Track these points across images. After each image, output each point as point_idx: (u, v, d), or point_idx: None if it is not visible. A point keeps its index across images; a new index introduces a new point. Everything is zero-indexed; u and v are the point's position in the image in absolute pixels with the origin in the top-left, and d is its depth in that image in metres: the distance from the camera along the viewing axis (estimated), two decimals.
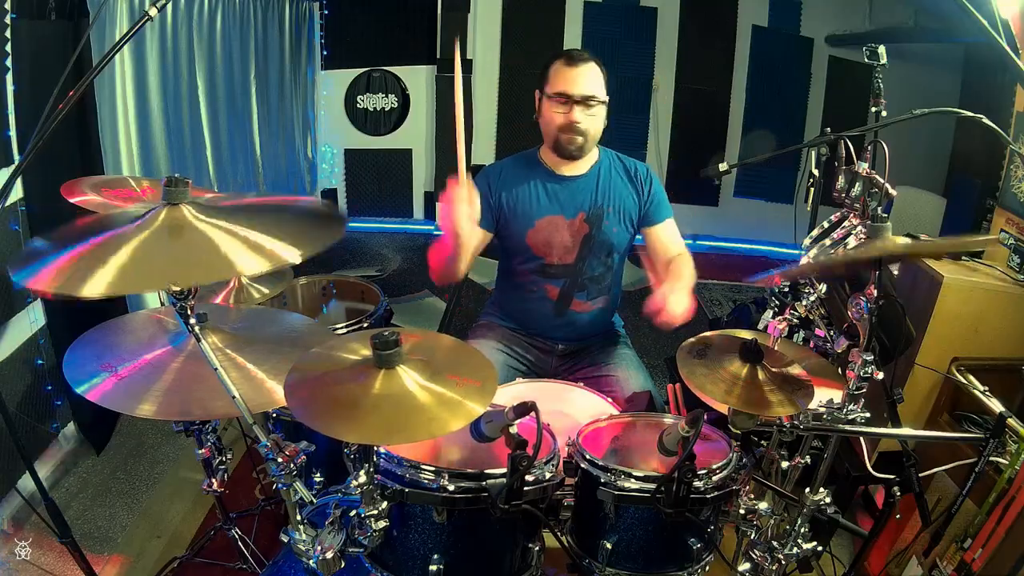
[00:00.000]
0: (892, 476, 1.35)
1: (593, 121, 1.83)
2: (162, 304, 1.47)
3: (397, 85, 5.18)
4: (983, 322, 2.04)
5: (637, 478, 1.19)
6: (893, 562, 1.88)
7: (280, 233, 0.96)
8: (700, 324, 3.95)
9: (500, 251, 2.00)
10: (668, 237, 1.98)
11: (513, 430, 1.07)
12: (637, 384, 1.87)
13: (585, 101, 1.79)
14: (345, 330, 1.80)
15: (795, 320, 1.48)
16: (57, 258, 0.88)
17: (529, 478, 1.13)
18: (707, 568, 1.28)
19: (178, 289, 0.98)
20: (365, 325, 1.88)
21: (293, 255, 0.92)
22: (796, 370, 1.26)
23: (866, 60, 1.57)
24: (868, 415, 1.22)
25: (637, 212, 1.96)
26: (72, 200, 1.43)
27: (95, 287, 0.82)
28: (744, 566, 1.36)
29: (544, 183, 1.92)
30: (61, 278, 0.85)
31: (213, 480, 1.61)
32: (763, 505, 1.31)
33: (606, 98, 1.83)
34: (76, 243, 0.90)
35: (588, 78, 1.80)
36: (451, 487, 1.11)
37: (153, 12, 1.20)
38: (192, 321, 1.01)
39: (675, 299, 1.62)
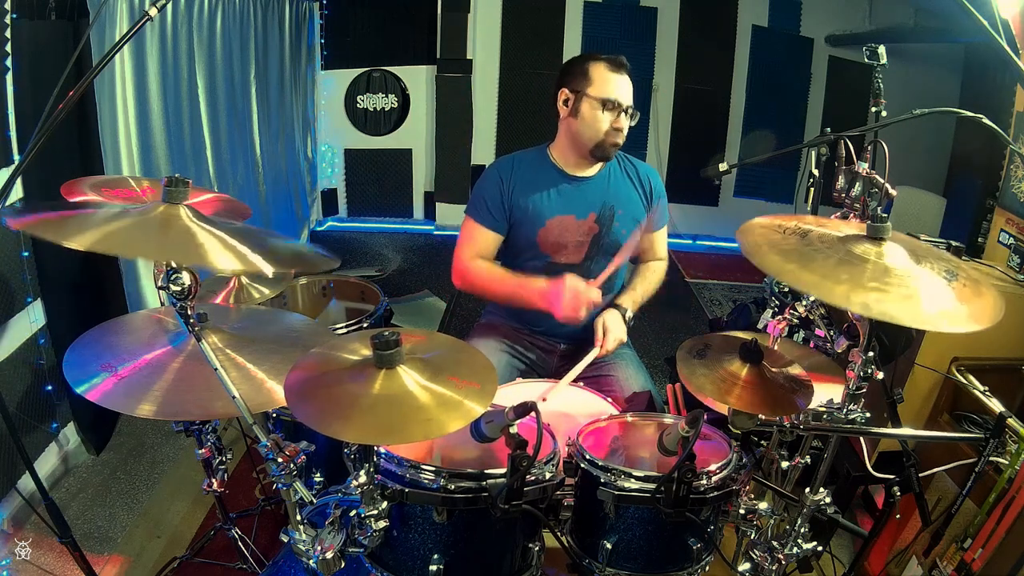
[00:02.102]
0: (892, 476, 1.35)
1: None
2: (162, 304, 1.47)
3: (397, 85, 5.18)
4: None
5: (637, 478, 1.19)
6: (893, 562, 1.88)
7: (262, 249, 1.00)
8: (700, 324, 3.97)
9: (507, 250, 2.00)
10: (657, 244, 2.09)
11: (513, 430, 1.07)
12: (637, 384, 1.87)
13: (627, 109, 1.84)
14: (345, 330, 1.80)
15: (795, 320, 1.48)
16: (50, 212, 0.94)
17: (529, 478, 1.13)
18: (707, 568, 1.28)
19: (179, 289, 0.98)
20: (365, 325, 1.88)
21: (266, 267, 0.97)
22: (796, 370, 1.26)
23: (866, 60, 1.57)
24: (868, 415, 1.22)
25: (644, 216, 2.00)
26: (72, 200, 1.43)
27: (80, 242, 0.87)
28: (744, 566, 1.36)
29: (556, 183, 1.93)
30: (50, 226, 0.91)
31: (213, 480, 1.61)
32: (763, 505, 1.31)
33: None
34: (71, 209, 0.97)
35: (630, 86, 1.85)
36: (451, 487, 1.11)
37: (153, 12, 1.20)
38: (192, 321, 1.01)
39: (614, 334, 1.85)
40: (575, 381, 1.79)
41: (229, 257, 0.94)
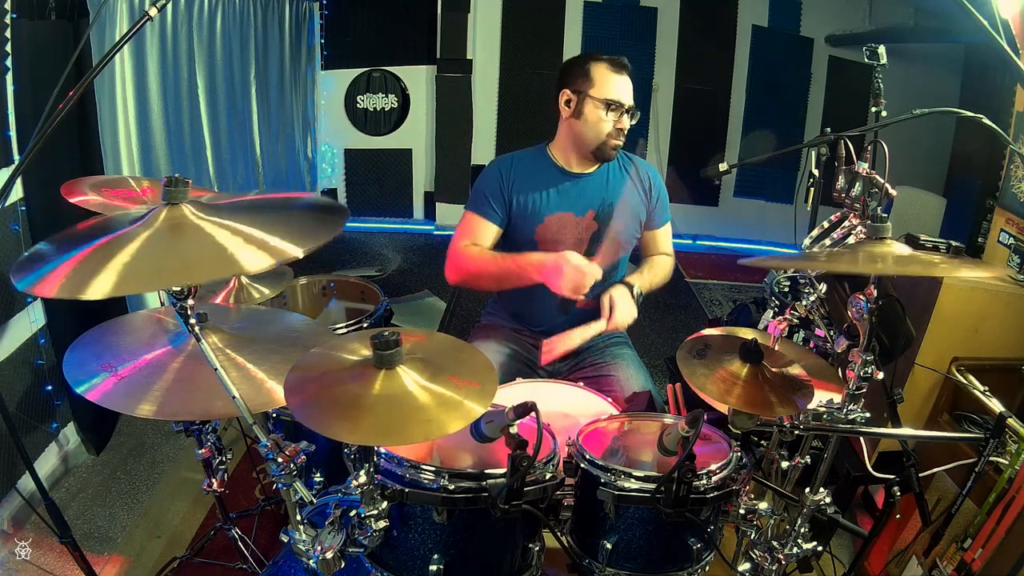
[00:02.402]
0: (892, 476, 1.35)
1: None
2: (162, 304, 1.47)
3: (397, 85, 5.18)
4: (983, 322, 2.04)
5: (637, 478, 1.19)
6: (893, 562, 1.88)
7: (281, 229, 0.95)
8: (700, 324, 3.97)
9: (505, 246, 2.00)
10: (662, 241, 2.08)
11: (513, 430, 1.07)
12: (637, 384, 1.87)
13: (629, 109, 1.84)
14: (345, 330, 1.80)
15: (795, 320, 1.48)
16: (60, 263, 0.88)
17: (529, 478, 1.13)
18: (707, 568, 1.27)
19: (179, 289, 0.98)
20: (365, 325, 1.88)
21: (296, 250, 0.91)
22: (796, 370, 1.26)
23: (866, 60, 1.57)
24: (868, 415, 1.22)
25: (644, 213, 1.98)
26: (72, 200, 1.43)
27: (99, 289, 0.82)
28: (744, 566, 1.36)
29: (555, 180, 1.93)
30: (65, 282, 0.85)
31: (213, 480, 1.61)
32: (763, 505, 1.31)
33: None
34: (78, 247, 0.90)
35: (630, 87, 1.85)
36: (451, 487, 1.11)
37: (153, 12, 1.20)
38: (192, 321, 1.01)
39: (621, 309, 1.79)
40: (575, 381, 1.79)
41: (255, 252, 0.88)
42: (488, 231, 1.92)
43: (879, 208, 1.43)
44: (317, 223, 1.01)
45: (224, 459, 1.62)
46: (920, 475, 1.35)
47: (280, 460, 1.06)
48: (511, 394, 1.67)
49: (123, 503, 2.26)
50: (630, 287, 1.86)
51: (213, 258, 0.89)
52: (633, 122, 1.87)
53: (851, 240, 1.42)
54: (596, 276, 1.71)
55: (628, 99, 1.83)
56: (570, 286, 1.68)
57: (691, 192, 5.24)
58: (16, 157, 2.04)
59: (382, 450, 1.14)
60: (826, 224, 1.54)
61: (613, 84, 1.82)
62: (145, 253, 0.89)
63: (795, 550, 1.32)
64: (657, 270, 2.02)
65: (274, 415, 1.59)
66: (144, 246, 0.90)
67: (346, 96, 5.16)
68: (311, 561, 1.09)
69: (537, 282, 1.74)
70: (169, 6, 3.01)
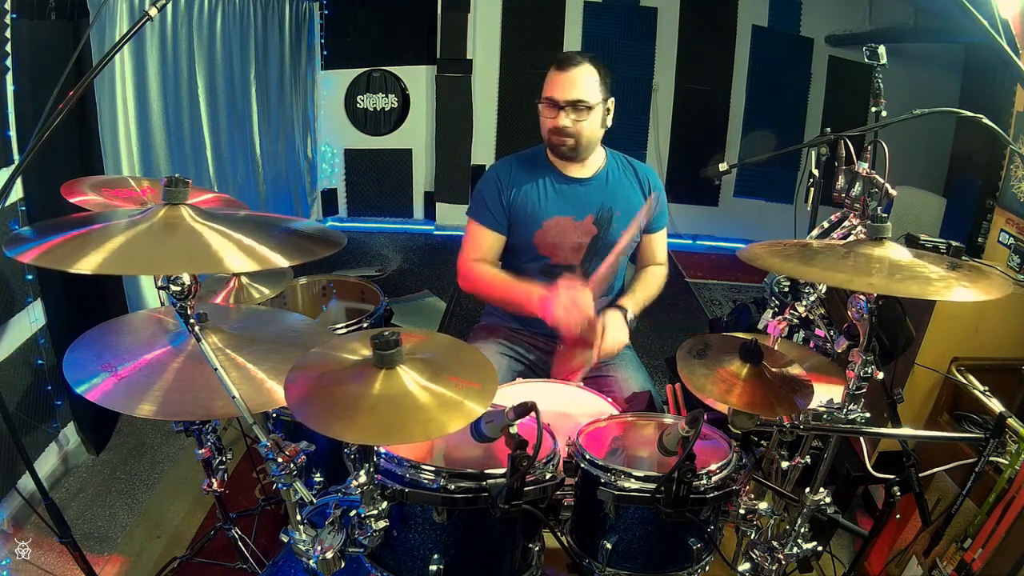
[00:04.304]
0: (892, 476, 1.35)
1: (584, 124, 1.83)
2: (162, 304, 1.47)
3: (397, 85, 5.18)
4: (983, 322, 2.04)
5: (637, 478, 1.19)
6: (893, 562, 1.88)
7: (272, 242, 0.98)
8: (700, 324, 3.96)
9: (506, 251, 2.00)
10: (656, 246, 2.07)
11: (513, 430, 1.07)
12: (637, 384, 1.87)
13: (572, 105, 1.80)
14: (345, 330, 1.80)
15: (795, 320, 1.48)
16: (52, 239, 0.91)
17: (529, 478, 1.13)
18: (707, 568, 1.28)
19: (179, 289, 0.98)
20: (365, 325, 1.88)
21: (281, 260, 0.95)
22: (796, 370, 1.26)
23: (866, 60, 1.57)
24: (868, 415, 1.22)
25: (644, 218, 1.98)
26: (72, 200, 1.43)
27: (86, 264, 0.85)
28: (744, 566, 1.36)
29: (553, 183, 1.93)
30: (54, 253, 0.88)
31: (213, 480, 1.61)
32: (763, 505, 1.31)
33: (598, 100, 1.82)
34: (72, 229, 0.93)
35: (576, 83, 1.80)
36: (451, 487, 1.11)
37: (153, 12, 1.20)
38: (192, 321, 1.01)
39: (612, 335, 1.77)
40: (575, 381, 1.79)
41: (241, 257, 0.93)
42: (492, 240, 1.93)
43: (879, 208, 1.43)
44: (309, 239, 1.06)
45: (224, 459, 1.62)
46: (920, 475, 1.35)
47: (280, 460, 1.06)
48: (511, 394, 1.67)
49: (123, 503, 2.26)
50: (623, 311, 1.87)
51: (200, 255, 0.92)
52: (580, 119, 1.81)
53: (851, 239, 1.42)
54: (589, 315, 1.72)
55: (564, 94, 1.80)
56: (562, 322, 1.71)
57: (691, 192, 5.24)
58: (16, 157, 2.04)
59: (382, 450, 1.15)
60: (826, 224, 1.54)
61: (551, 81, 1.83)
62: (136, 241, 0.92)
63: (795, 550, 1.32)
64: (649, 286, 2.01)
65: (274, 415, 1.59)
66: (137, 236, 0.92)
67: (346, 96, 5.16)
68: (311, 561, 1.09)
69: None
70: (169, 6, 3.01)
